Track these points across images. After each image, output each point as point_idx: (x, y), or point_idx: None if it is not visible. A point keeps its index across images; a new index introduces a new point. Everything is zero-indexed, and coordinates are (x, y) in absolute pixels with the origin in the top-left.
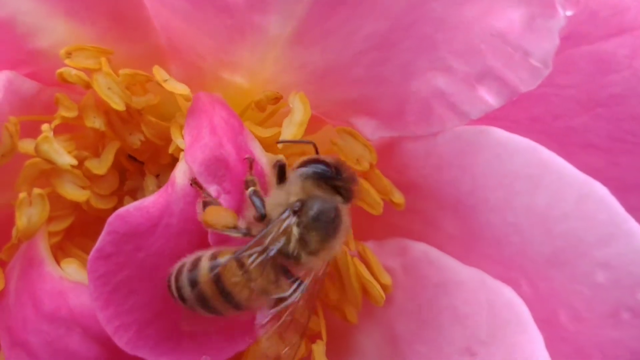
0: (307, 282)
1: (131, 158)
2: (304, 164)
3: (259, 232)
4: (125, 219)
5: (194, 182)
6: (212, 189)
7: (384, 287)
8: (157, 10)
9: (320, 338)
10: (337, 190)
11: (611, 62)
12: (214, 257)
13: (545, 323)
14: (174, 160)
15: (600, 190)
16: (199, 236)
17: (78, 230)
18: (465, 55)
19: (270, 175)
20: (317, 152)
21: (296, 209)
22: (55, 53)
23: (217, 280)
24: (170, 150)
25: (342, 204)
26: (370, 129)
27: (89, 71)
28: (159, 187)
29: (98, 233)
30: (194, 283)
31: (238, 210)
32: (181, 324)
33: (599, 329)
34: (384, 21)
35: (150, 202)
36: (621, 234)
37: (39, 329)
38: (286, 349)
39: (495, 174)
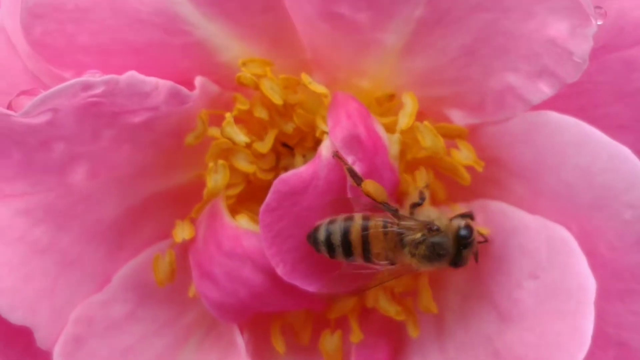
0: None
1: (284, 145)
2: (460, 220)
3: (403, 216)
4: (286, 181)
5: (335, 155)
6: (350, 158)
7: None
8: (307, 33)
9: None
10: (458, 250)
11: (635, 64)
12: (366, 217)
13: (589, 254)
14: (316, 144)
15: (626, 150)
16: (337, 195)
17: (245, 197)
18: (528, 58)
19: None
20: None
21: (434, 228)
22: (233, 64)
23: (365, 233)
24: (317, 135)
25: (451, 260)
26: (458, 118)
27: (257, 76)
28: (305, 163)
29: (260, 198)
30: (347, 231)
31: (365, 175)
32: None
33: (628, 255)
34: (469, 35)
35: (303, 169)
36: None
37: (221, 263)
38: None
39: (552, 144)
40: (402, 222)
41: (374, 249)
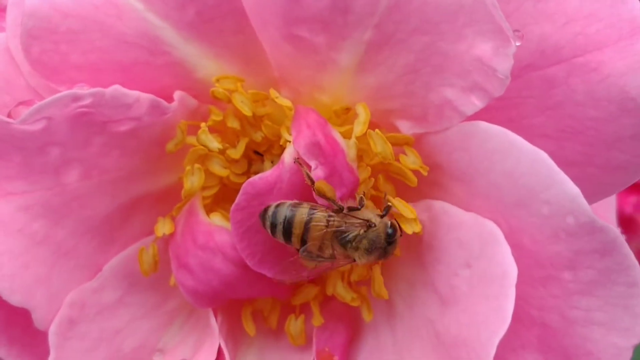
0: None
1: (255, 153)
2: (390, 219)
3: (348, 213)
4: (254, 184)
5: (296, 160)
6: (313, 163)
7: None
8: (273, 53)
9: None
10: (386, 244)
11: (554, 81)
12: (313, 207)
13: (516, 246)
14: (283, 151)
15: (544, 155)
16: (299, 197)
17: (221, 197)
18: (461, 75)
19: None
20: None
21: (372, 226)
22: (208, 81)
23: (308, 220)
24: (281, 143)
25: (381, 253)
26: (406, 128)
27: (229, 91)
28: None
29: (234, 199)
30: (291, 215)
31: (327, 177)
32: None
33: (548, 246)
34: (412, 55)
35: (268, 174)
36: (556, 182)
37: (195, 255)
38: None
39: (483, 150)
40: (346, 220)
41: (311, 238)
